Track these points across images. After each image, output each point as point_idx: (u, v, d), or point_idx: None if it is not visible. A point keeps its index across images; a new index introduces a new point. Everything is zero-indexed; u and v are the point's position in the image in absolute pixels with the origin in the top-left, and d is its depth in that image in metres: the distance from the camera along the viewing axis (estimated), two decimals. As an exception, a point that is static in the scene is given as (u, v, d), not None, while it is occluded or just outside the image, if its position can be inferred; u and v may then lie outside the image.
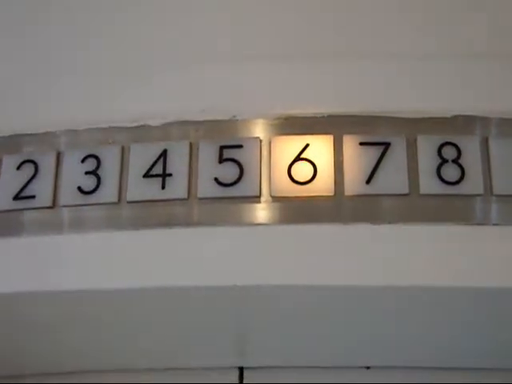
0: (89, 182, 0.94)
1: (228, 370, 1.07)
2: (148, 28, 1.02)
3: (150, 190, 0.93)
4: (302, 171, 0.92)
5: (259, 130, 0.94)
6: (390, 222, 0.91)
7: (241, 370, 1.08)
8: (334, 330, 0.98)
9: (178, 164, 0.93)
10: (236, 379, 1.08)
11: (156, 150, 0.94)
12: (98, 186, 0.94)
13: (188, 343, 1.03)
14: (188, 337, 1.01)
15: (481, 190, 0.91)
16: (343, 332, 0.98)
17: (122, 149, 0.95)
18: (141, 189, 0.93)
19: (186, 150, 0.94)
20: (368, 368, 1.06)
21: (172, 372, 1.08)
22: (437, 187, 0.91)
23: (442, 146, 0.92)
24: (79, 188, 0.94)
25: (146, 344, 1.03)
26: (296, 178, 0.92)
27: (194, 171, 0.93)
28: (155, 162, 0.93)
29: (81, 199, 0.94)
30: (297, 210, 0.91)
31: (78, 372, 1.08)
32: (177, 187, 0.92)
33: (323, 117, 0.94)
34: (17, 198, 0.95)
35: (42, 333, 0.99)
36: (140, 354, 1.05)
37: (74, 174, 0.95)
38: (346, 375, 1.07)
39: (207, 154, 0.93)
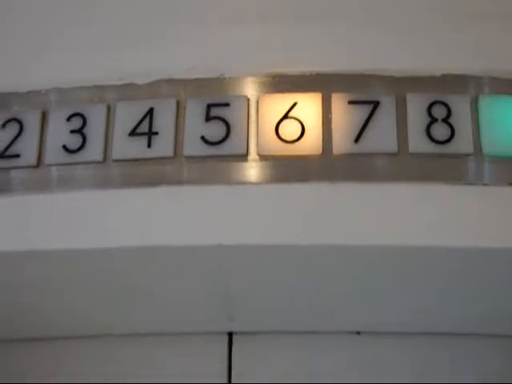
0: (74, 141, 0.93)
1: (217, 335, 1.07)
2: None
3: (136, 148, 0.92)
4: (290, 130, 0.91)
5: (247, 88, 0.93)
6: (378, 181, 0.90)
7: (230, 335, 1.07)
8: (323, 292, 0.97)
9: (164, 122, 0.92)
10: (225, 345, 1.07)
11: (142, 109, 0.93)
12: (83, 145, 0.93)
13: (176, 308, 1.02)
14: (176, 301, 1.00)
15: (471, 150, 0.90)
16: (332, 294, 0.98)
17: (108, 107, 0.94)
18: (127, 147, 0.92)
19: (173, 108, 0.92)
20: (358, 333, 1.06)
21: (160, 338, 1.07)
22: (426, 146, 0.90)
23: (431, 104, 0.91)
24: (64, 147, 0.93)
25: (133, 309, 1.02)
26: (284, 136, 0.91)
27: (181, 129, 0.92)
28: (141, 121, 0.92)
29: (66, 158, 0.93)
30: (284, 169, 0.90)
31: (61, 338, 1.08)
32: (163, 145, 0.91)
33: (312, 75, 0.93)
34: (1, 157, 0.94)
35: (28, 295, 0.98)
36: (127, 319, 1.04)
37: (60, 132, 0.94)
38: (336, 340, 1.06)
39: (194, 113, 0.92)
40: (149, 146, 0.91)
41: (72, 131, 0.93)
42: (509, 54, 0.93)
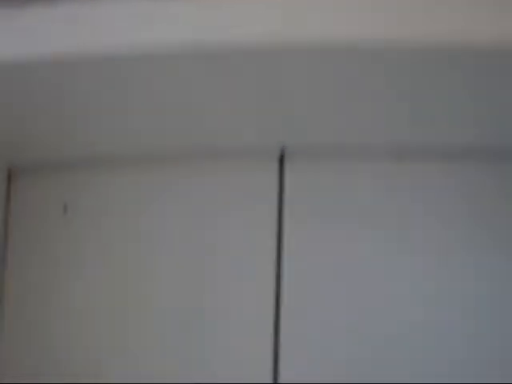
0: None
1: (268, 152, 1.08)
2: None
3: None
4: None
5: None
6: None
7: (281, 158, 1.08)
8: (366, 100, 0.97)
9: None
10: (276, 163, 1.09)
11: None
12: None
13: (226, 121, 1.03)
14: (226, 113, 1.01)
15: None
16: (375, 106, 0.97)
17: None
18: None
19: None
20: (399, 158, 1.06)
21: (210, 155, 1.09)
22: None
23: None
24: None
25: (181, 125, 1.03)
26: None
27: None
28: None
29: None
30: None
31: (106, 162, 1.10)
32: None
33: None
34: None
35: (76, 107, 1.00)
36: (175, 137, 1.06)
37: None
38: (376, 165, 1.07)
39: None
40: None
41: None
42: None
